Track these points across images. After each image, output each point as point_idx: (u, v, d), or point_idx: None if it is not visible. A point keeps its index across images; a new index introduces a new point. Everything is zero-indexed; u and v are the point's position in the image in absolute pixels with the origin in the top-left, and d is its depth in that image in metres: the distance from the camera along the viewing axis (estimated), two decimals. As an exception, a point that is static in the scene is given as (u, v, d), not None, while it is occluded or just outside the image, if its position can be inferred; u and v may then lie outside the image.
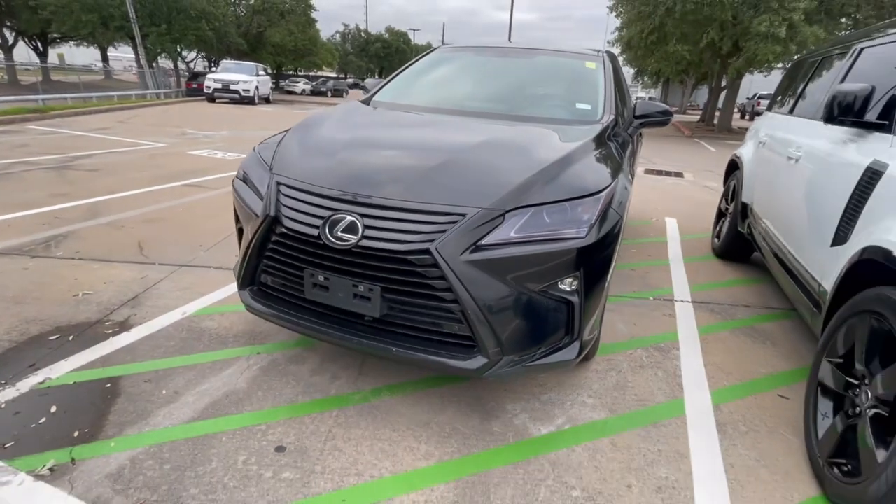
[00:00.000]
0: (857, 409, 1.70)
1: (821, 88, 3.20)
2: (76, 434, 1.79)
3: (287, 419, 1.95)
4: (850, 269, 1.91)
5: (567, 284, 1.80)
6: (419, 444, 1.87)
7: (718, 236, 4.49)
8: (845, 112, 2.24)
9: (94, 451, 1.72)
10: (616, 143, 2.48)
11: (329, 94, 35.58)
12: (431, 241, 1.68)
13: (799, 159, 2.83)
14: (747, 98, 30.27)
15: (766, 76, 19.05)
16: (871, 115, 2.21)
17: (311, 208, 1.86)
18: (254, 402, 2.03)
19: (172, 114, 15.02)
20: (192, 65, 32.57)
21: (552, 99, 2.98)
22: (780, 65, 17.38)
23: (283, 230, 1.88)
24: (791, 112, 3.58)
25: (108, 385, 2.08)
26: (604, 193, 1.88)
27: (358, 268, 1.77)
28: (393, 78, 3.32)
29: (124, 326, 2.54)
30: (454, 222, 1.70)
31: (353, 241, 1.74)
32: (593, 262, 1.81)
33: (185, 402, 2.00)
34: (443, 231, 1.69)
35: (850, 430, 1.72)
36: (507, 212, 1.74)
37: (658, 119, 2.92)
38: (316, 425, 1.92)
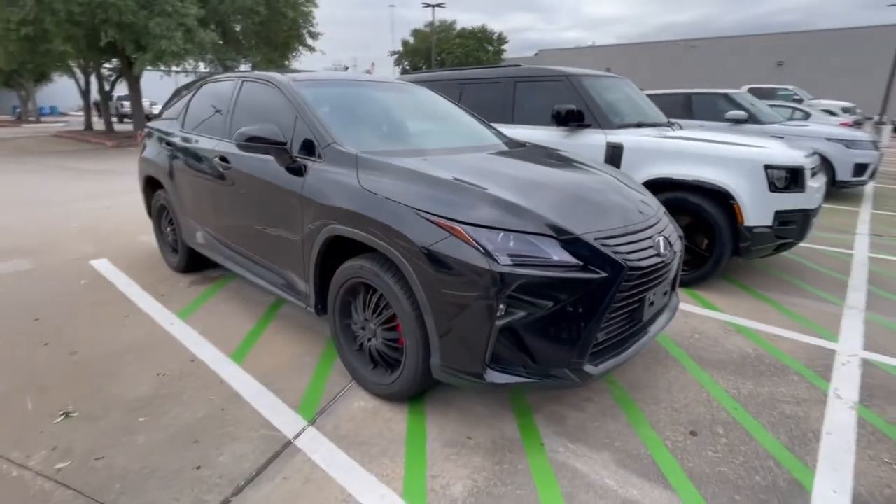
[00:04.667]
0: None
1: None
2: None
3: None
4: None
5: None
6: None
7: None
8: (568, 119, 4.24)
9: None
10: None
11: None
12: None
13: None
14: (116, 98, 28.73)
15: (162, 78, 19.12)
16: (574, 121, 4.28)
17: (636, 245, 2.06)
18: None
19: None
20: None
21: (473, 126, 3.38)
22: (175, 67, 18.07)
23: (629, 272, 1.97)
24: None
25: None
26: None
27: (668, 271, 2.23)
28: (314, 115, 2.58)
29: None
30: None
31: (670, 251, 2.18)
32: None
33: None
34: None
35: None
36: None
37: None
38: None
